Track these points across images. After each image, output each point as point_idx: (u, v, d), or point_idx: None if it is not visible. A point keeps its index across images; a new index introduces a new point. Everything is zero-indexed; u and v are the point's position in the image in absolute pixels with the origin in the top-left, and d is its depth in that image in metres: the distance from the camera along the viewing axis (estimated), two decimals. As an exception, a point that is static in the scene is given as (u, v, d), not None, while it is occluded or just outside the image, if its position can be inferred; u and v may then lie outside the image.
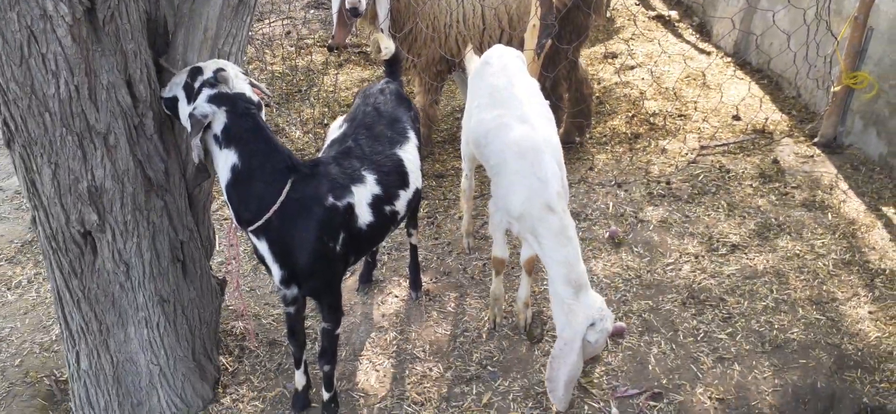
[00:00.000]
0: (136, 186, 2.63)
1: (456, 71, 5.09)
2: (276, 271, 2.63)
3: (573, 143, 5.15)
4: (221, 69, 2.47)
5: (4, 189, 4.90)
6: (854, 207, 4.31)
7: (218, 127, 2.49)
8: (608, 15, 8.10)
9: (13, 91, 2.35)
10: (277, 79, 6.65)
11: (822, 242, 4.01)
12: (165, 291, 2.89)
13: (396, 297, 3.84)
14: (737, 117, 5.50)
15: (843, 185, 4.52)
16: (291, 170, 2.56)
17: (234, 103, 2.48)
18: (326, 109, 5.98)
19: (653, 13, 8.12)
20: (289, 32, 7.93)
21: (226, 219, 4.50)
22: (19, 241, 4.35)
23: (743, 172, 4.72)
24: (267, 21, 8.19)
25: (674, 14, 8.03)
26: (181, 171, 2.83)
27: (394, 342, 3.54)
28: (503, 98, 3.31)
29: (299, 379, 3.06)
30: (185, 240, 2.91)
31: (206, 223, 3.11)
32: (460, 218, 4.34)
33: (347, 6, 4.37)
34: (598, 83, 6.23)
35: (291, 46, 7.46)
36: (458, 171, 4.94)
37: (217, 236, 3.51)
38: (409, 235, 3.68)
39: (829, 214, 4.25)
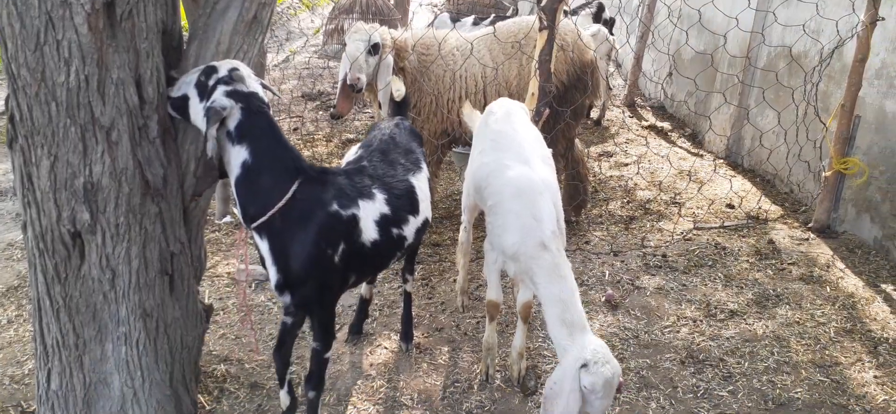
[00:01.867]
0: (133, 187, 2.62)
1: (456, 147, 5.22)
2: (273, 274, 2.58)
3: (569, 221, 5.17)
4: (236, 68, 2.54)
5: (-4, 243, 4.88)
6: (852, 282, 4.28)
7: (232, 123, 2.52)
8: (603, 123, 8.41)
9: (24, 78, 2.39)
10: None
11: (822, 312, 3.95)
12: (150, 305, 2.80)
13: (386, 348, 3.72)
14: (730, 206, 5.57)
15: (840, 265, 4.51)
16: (300, 171, 2.58)
17: (248, 100, 2.53)
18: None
19: (645, 123, 8.41)
20: (296, 129, 8.18)
21: (232, 287, 4.44)
22: (4, 286, 4.28)
23: (738, 250, 4.73)
24: (277, 119, 8.45)
25: (666, 124, 8.32)
26: (179, 181, 2.82)
27: (381, 390, 3.40)
28: (505, 143, 3.35)
29: (284, 398, 2.92)
30: (177, 252, 2.85)
31: (199, 242, 3.07)
32: (455, 281, 4.28)
33: (349, 82, 4.59)
34: (594, 176, 6.35)
35: (299, 140, 7.67)
36: (454, 241, 4.94)
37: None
38: (405, 281, 3.62)
39: (828, 288, 4.22)
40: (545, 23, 4.31)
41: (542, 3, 4.32)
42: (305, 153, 7.15)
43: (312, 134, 7.98)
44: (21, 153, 2.55)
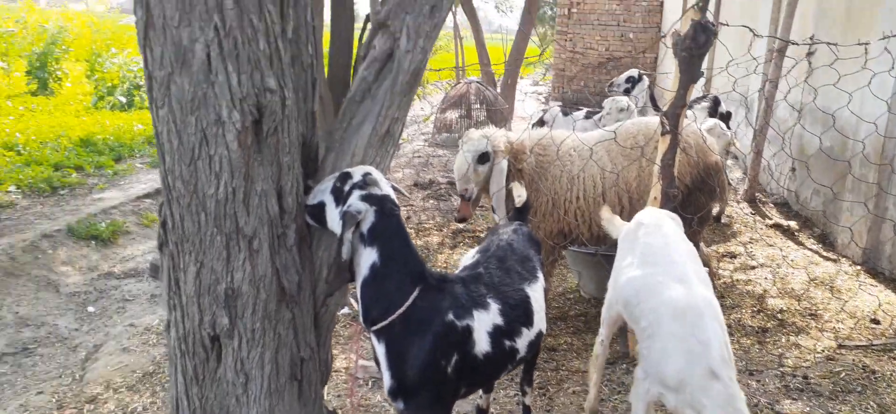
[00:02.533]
0: (270, 294, 2.69)
1: (570, 247, 5.11)
2: (387, 379, 2.58)
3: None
4: (369, 172, 2.61)
5: (136, 326, 5.16)
6: None
7: (366, 226, 2.58)
8: (723, 220, 8.02)
9: (178, 189, 2.54)
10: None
11: None
12: (279, 411, 2.83)
13: (503, 465, 3.57)
14: (876, 321, 5.07)
15: None
16: (421, 277, 2.58)
17: (382, 203, 2.59)
18: (437, 282, 6.04)
19: (770, 222, 7.94)
20: (409, 218, 8.35)
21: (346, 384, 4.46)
22: (141, 372, 4.48)
23: (891, 375, 4.25)
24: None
25: (792, 223, 7.82)
26: (312, 287, 2.89)
27: None
28: (658, 257, 3.21)
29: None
30: (306, 358, 2.89)
31: (327, 347, 3.10)
32: (574, 393, 4.09)
33: (458, 191, 4.77)
34: (719, 279, 6.00)
35: (411, 229, 7.82)
36: (570, 346, 4.75)
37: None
38: (524, 393, 3.49)
39: None
40: (668, 127, 4.21)
41: (665, 109, 4.23)
42: (418, 243, 7.24)
43: (423, 223, 8.10)
44: (170, 258, 2.69)
